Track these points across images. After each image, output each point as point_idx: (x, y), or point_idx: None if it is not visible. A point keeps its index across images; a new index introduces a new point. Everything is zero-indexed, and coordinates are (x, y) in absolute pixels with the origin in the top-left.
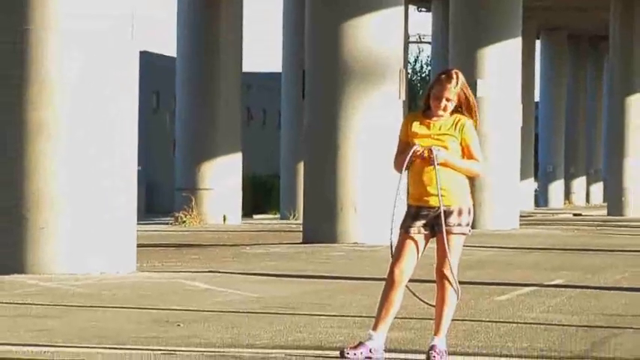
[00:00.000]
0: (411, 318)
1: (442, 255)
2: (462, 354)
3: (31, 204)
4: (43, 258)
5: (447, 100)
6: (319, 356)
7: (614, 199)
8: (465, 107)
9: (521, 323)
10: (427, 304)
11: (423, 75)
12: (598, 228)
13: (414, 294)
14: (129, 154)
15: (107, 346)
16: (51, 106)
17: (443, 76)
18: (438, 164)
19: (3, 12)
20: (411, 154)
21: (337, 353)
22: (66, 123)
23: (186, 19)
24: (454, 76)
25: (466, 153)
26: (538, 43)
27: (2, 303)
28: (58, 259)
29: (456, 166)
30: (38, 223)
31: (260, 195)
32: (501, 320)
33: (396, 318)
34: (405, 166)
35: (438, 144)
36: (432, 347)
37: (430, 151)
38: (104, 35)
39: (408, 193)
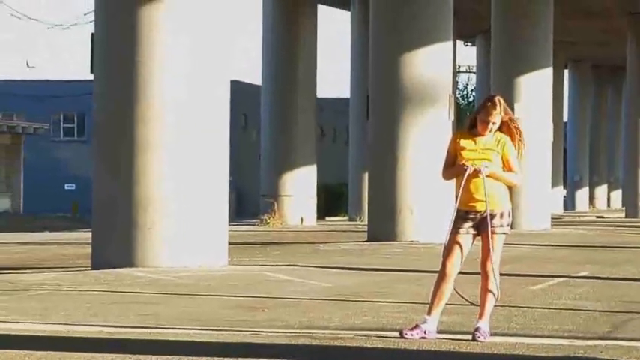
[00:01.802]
0: (459, 304)
1: (486, 252)
2: (502, 334)
3: (140, 207)
4: (149, 254)
5: (492, 123)
6: (381, 336)
7: (631, 204)
8: (505, 128)
9: (552, 309)
10: (468, 301)
11: (470, 100)
12: (617, 228)
13: (457, 292)
14: (222, 166)
15: (203, 327)
16: (158, 123)
17: (489, 103)
18: (484, 176)
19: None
20: (466, 178)
21: (397, 334)
22: (170, 139)
23: (270, 53)
24: (497, 102)
25: (506, 166)
26: (566, 72)
27: (116, 292)
28: (163, 254)
29: (498, 177)
30: (146, 224)
31: (331, 200)
32: (535, 306)
33: (446, 304)
34: (461, 182)
35: (483, 157)
36: (477, 329)
37: (479, 171)
38: (203, 67)
39: (457, 199)
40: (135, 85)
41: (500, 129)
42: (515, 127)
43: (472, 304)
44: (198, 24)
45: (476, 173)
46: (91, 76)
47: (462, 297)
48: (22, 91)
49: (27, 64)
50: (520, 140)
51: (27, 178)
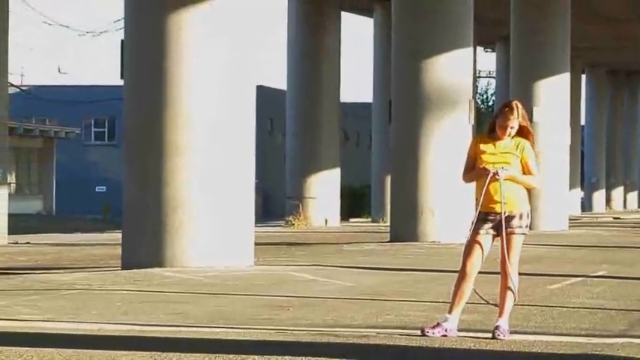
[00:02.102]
0: (479, 303)
1: (505, 252)
2: (521, 333)
3: (169, 209)
4: (178, 254)
5: (511, 128)
6: (404, 334)
7: None
8: (524, 131)
9: (569, 307)
10: (486, 301)
11: (489, 104)
12: (634, 229)
13: (476, 292)
14: (248, 169)
15: (230, 326)
16: (186, 128)
17: (506, 109)
18: (503, 179)
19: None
20: (487, 182)
21: (419, 332)
22: (197, 143)
23: (295, 59)
24: (515, 107)
25: (525, 169)
26: (583, 77)
27: (145, 291)
28: (191, 255)
29: (517, 180)
30: (174, 226)
31: (355, 202)
32: (553, 305)
33: (467, 303)
34: (482, 185)
35: (502, 160)
36: (497, 327)
37: (497, 172)
38: (231, 72)
39: (477, 201)
40: (164, 90)
41: (519, 133)
42: (527, 130)
43: (490, 304)
44: (226, 30)
45: (495, 176)
46: (121, 82)
47: (481, 297)
48: (54, 96)
49: (59, 70)
50: (532, 142)
51: (59, 180)
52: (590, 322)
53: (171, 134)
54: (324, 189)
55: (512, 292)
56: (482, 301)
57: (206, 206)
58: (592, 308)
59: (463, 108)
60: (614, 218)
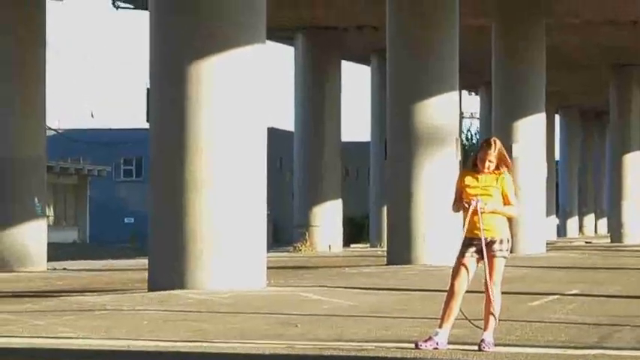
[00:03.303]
0: (466, 319)
1: (488, 273)
2: (505, 345)
3: (190, 238)
4: (199, 278)
5: (490, 161)
6: (399, 348)
7: (615, 231)
8: (503, 164)
9: (547, 322)
10: (470, 322)
11: (473, 142)
12: (604, 252)
13: (462, 312)
14: (260, 201)
15: (245, 341)
16: (205, 165)
17: (485, 144)
18: (483, 212)
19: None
20: (470, 211)
21: (413, 345)
22: (215, 178)
23: (300, 103)
24: (493, 143)
25: (505, 199)
26: (557, 117)
27: (169, 311)
28: (210, 278)
29: (498, 211)
30: (195, 252)
31: (355, 230)
32: (533, 320)
33: (455, 319)
34: (466, 213)
35: (484, 193)
36: (482, 340)
37: (476, 204)
38: (245, 117)
39: (463, 227)
40: (185, 132)
41: (498, 167)
42: (504, 162)
43: (474, 324)
44: (241, 78)
45: (476, 208)
46: (147, 125)
47: (465, 317)
48: (87, 138)
49: (91, 114)
50: (509, 171)
51: (92, 213)
52: (566, 335)
53: (191, 171)
54: (327, 218)
55: (496, 309)
56: (477, 310)
57: (223, 235)
58: (567, 323)
59: (450, 145)
60: (586, 242)
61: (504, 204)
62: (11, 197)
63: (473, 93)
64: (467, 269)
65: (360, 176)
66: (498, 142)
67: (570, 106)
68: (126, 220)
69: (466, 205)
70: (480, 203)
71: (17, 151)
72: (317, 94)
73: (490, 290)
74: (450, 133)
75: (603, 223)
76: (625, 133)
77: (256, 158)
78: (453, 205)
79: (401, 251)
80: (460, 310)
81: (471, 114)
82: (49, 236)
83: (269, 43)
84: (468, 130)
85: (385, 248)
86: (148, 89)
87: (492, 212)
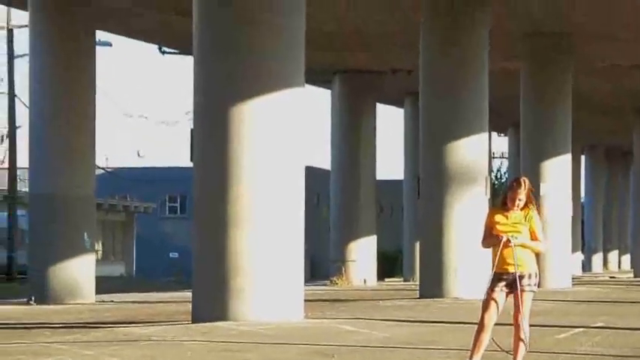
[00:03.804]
0: (495, 351)
1: (517, 306)
2: None
3: (231, 272)
4: (240, 310)
5: (519, 200)
6: None
7: (638, 266)
8: (531, 202)
9: (574, 354)
10: (502, 350)
11: (502, 181)
12: (627, 286)
13: (494, 342)
14: (298, 237)
15: None
16: (246, 203)
17: (514, 183)
18: (515, 245)
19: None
20: (501, 246)
21: None
22: (256, 215)
23: (337, 143)
24: (522, 183)
25: (532, 236)
26: (583, 157)
27: (211, 342)
28: (251, 310)
29: (527, 245)
30: (236, 286)
31: (389, 264)
32: (560, 352)
33: (485, 351)
34: (496, 248)
35: (513, 229)
36: None
37: (509, 240)
38: (284, 156)
39: (493, 263)
40: (227, 171)
41: (527, 204)
42: (531, 200)
43: (505, 351)
44: (281, 119)
45: (507, 243)
46: (191, 164)
47: (498, 345)
48: (134, 176)
49: (138, 154)
50: (538, 209)
51: (138, 248)
52: None
53: (233, 208)
54: (362, 253)
55: (524, 341)
56: (499, 349)
57: (263, 270)
58: (593, 355)
59: (480, 184)
60: (610, 277)
61: (532, 240)
62: (63, 233)
63: (502, 134)
64: (496, 303)
65: (393, 213)
66: (527, 182)
67: (596, 147)
68: (170, 255)
69: (499, 239)
70: (512, 239)
71: (69, 189)
72: (353, 135)
73: (519, 323)
74: (480, 173)
75: (627, 258)
76: None
77: (295, 196)
78: (483, 241)
79: (433, 285)
80: (492, 339)
81: (501, 154)
82: (97, 270)
83: (307, 85)
84: (498, 170)
85: (418, 282)
86: (191, 130)
87: (521, 246)
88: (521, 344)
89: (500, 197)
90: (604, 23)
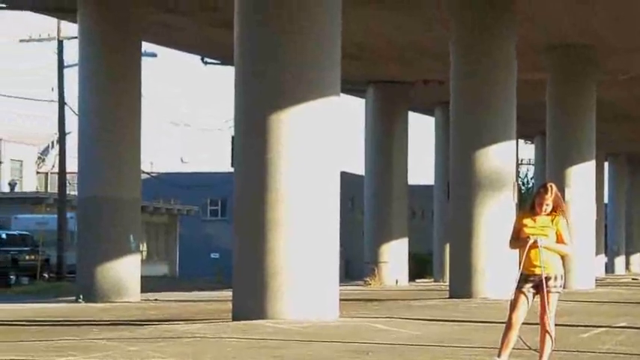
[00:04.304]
0: (522, 349)
1: (543, 307)
2: None
3: (270, 272)
4: (278, 309)
5: (547, 205)
6: None
7: None
8: (557, 207)
9: (597, 352)
10: (529, 347)
11: (529, 187)
12: None
13: (522, 340)
14: (334, 239)
15: None
16: (284, 207)
17: (542, 189)
18: (541, 247)
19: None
20: (527, 249)
21: None
22: (293, 218)
23: (370, 149)
24: (550, 188)
25: (559, 239)
26: (606, 163)
27: (250, 339)
28: (288, 309)
29: (552, 248)
30: (275, 286)
31: (420, 265)
32: (584, 350)
33: (513, 349)
34: (523, 250)
35: (541, 233)
36: None
37: (536, 241)
38: (321, 161)
39: (520, 264)
40: (265, 176)
41: (554, 209)
42: (559, 205)
43: (532, 349)
44: (317, 126)
45: (535, 245)
46: (232, 169)
47: (525, 343)
48: (177, 181)
49: (181, 160)
50: (564, 213)
51: (181, 249)
52: None
53: (271, 212)
54: (395, 255)
55: (551, 339)
56: (526, 347)
57: (300, 270)
58: (616, 353)
59: (508, 189)
60: (633, 279)
61: (558, 243)
62: (109, 234)
63: (529, 141)
64: (524, 303)
65: (424, 216)
66: (554, 187)
67: (618, 154)
68: (212, 256)
69: (527, 240)
70: (539, 241)
71: (115, 193)
72: (385, 142)
73: (545, 322)
74: (508, 179)
75: None
76: None
77: (330, 200)
78: (510, 242)
79: (462, 285)
80: (520, 338)
81: (528, 161)
82: (142, 270)
83: (342, 95)
84: (525, 176)
85: (447, 283)
86: (232, 137)
87: (547, 248)
88: (547, 343)
89: (530, 202)
90: (626, 36)
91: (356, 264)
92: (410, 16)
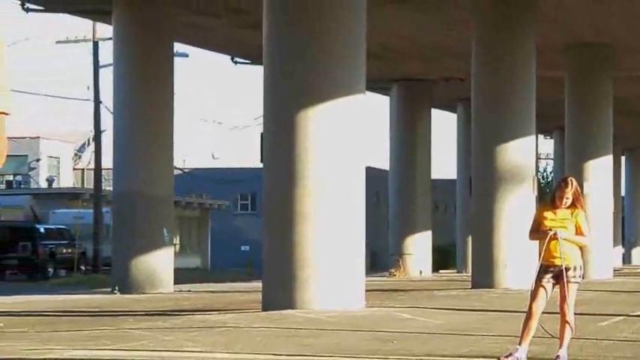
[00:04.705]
0: (543, 337)
1: (563, 296)
2: None
3: (299, 264)
4: (306, 299)
5: (567, 198)
6: None
7: None
8: (577, 201)
9: (615, 340)
10: (550, 334)
11: (548, 180)
12: None
13: (542, 327)
14: (360, 232)
15: (347, 355)
16: (311, 201)
17: (562, 183)
18: (561, 238)
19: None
20: (547, 241)
21: None
22: (321, 212)
23: (395, 145)
24: (570, 183)
25: (578, 231)
26: (623, 158)
27: (279, 328)
28: (316, 299)
29: (572, 239)
30: (303, 277)
31: (443, 257)
32: (602, 338)
33: (533, 337)
34: (544, 243)
35: (560, 225)
36: (558, 356)
37: (556, 233)
38: (347, 157)
39: (540, 255)
40: (293, 171)
41: (573, 202)
42: (578, 198)
43: (553, 336)
44: (344, 122)
45: (555, 237)
46: (261, 165)
47: (546, 331)
48: (209, 176)
49: (212, 156)
50: (582, 206)
51: (213, 242)
52: (632, 352)
53: (299, 206)
54: (419, 247)
55: (570, 328)
56: (547, 335)
57: (328, 262)
58: (633, 341)
59: (528, 183)
60: None
61: (577, 235)
62: (144, 228)
63: (548, 137)
64: (544, 293)
65: (447, 210)
66: (574, 182)
67: (635, 148)
68: (242, 248)
69: (547, 232)
70: (559, 233)
71: (149, 188)
72: (409, 138)
73: (565, 311)
74: (528, 173)
75: None
76: None
77: (356, 194)
78: (530, 233)
79: (484, 276)
80: (540, 326)
81: (547, 155)
82: (175, 262)
83: (367, 93)
84: (544, 170)
85: (470, 273)
86: (261, 134)
87: (566, 240)
88: (567, 331)
89: (550, 195)
90: None
91: (381, 256)
92: (432, 17)
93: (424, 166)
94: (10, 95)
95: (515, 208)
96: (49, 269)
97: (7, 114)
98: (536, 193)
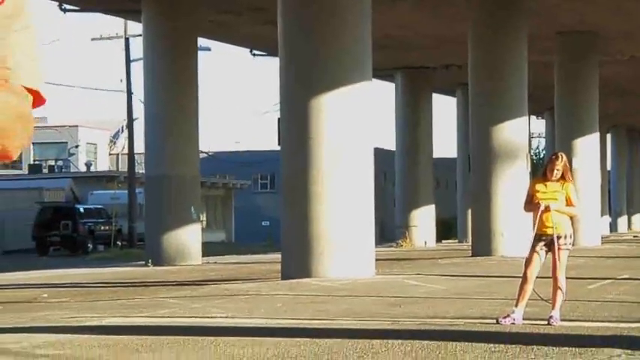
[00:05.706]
0: (537, 299)
1: (555, 263)
2: (568, 320)
3: (314, 238)
4: (321, 268)
5: (557, 170)
6: (483, 323)
7: None
8: (565, 173)
9: (603, 301)
10: (542, 299)
11: (540, 157)
12: None
13: (536, 292)
14: (369, 207)
15: (359, 319)
16: (325, 181)
17: (553, 156)
18: (553, 210)
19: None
20: (540, 212)
21: (494, 321)
22: (334, 191)
23: (400, 127)
24: (560, 157)
25: (568, 202)
26: (609, 135)
27: (298, 295)
28: (330, 269)
29: (562, 210)
30: (319, 249)
31: (445, 229)
32: (592, 300)
33: (528, 300)
34: (536, 213)
35: (552, 197)
36: (551, 316)
37: (548, 206)
38: (357, 140)
39: (534, 226)
40: (308, 154)
41: (563, 176)
42: (567, 171)
43: (544, 300)
44: (354, 107)
45: (547, 208)
46: (279, 148)
47: (539, 295)
48: (231, 159)
49: (235, 140)
50: (571, 179)
51: (236, 218)
52: (619, 312)
53: (314, 185)
54: (423, 219)
55: (562, 291)
56: (539, 299)
57: (340, 235)
58: (620, 302)
59: (522, 160)
60: (634, 236)
61: (567, 206)
62: (173, 206)
63: (539, 117)
64: (537, 259)
65: (448, 186)
66: (564, 156)
67: (619, 126)
68: (263, 224)
69: (539, 204)
70: (552, 205)
71: (178, 170)
72: (413, 121)
73: (557, 276)
74: (521, 150)
75: None
76: None
77: (365, 173)
78: (525, 205)
79: (483, 245)
80: (534, 291)
81: (539, 134)
82: (202, 237)
83: (374, 80)
84: (537, 148)
85: (470, 243)
86: (279, 119)
87: (557, 211)
88: (558, 293)
89: (542, 169)
90: (624, 23)
91: (389, 228)
92: (430, 12)
93: (427, 146)
94: (42, 80)
95: (511, 182)
96: (89, 245)
97: (42, 98)
98: (529, 169)
